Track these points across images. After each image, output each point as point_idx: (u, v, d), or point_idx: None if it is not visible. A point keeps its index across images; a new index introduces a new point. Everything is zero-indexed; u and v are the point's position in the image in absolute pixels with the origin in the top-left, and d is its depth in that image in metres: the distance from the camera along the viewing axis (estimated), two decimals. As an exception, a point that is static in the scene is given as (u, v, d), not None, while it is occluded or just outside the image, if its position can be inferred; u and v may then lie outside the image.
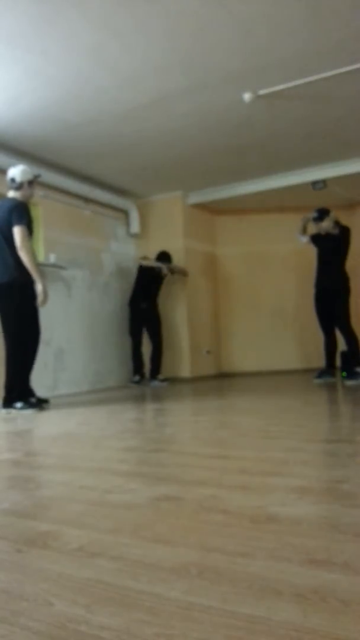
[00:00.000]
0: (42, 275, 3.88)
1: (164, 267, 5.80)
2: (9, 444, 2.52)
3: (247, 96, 3.91)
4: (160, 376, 5.76)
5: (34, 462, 2.04)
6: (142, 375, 5.80)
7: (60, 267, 5.23)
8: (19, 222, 3.69)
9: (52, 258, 5.12)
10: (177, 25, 3.06)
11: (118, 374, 6.01)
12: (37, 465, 1.98)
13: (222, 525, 1.19)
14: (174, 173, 5.66)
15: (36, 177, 3.99)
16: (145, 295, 5.82)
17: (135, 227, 6.31)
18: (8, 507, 1.41)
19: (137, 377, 5.76)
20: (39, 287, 3.78)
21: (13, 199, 3.83)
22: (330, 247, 5.01)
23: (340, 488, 1.45)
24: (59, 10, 2.85)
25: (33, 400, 3.89)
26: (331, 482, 1.52)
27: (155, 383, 5.70)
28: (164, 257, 5.93)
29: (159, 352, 5.81)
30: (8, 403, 3.76)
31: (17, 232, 3.69)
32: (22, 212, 3.73)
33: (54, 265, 5.11)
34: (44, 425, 3.11)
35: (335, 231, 5.01)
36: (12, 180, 3.86)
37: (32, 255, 3.77)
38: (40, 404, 3.90)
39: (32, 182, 3.92)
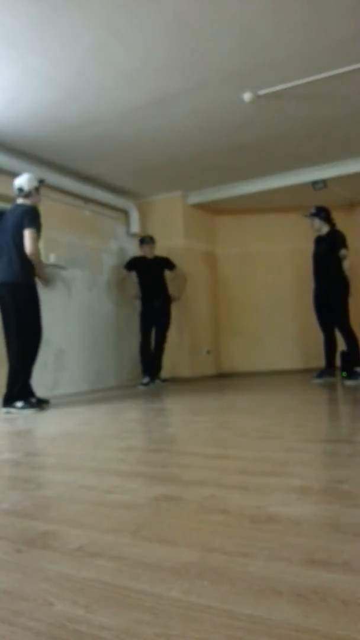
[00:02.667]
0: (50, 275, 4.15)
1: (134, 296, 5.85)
2: (9, 444, 2.52)
3: (247, 96, 3.91)
4: (161, 376, 5.75)
5: (34, 462, 2.04)
6: (151, 377, 5.65)
7: (60, 267, 5.23)
8: (31, 225, 3.79)
9: (52, 258, 5.12)
10: (178, 25, 3.06)
11: (118, 374, 6.01)
12: (37, 466, 1.98)
13: (222, 525, 1.19)
14: (174, 173, 5.66)
15: (41, 182, 4.10)
16: (155, 291, 5.71)
17: (135, 227, 6.31)
18: (8, 507, 1.41)
19: (146, 379, 5.63)
20: (46, 275, 4.06)
21: (24, 205, 3.94)
22: (325, 248, 5.04)
23: (340, 488, 1.45)
24: (59, 10, 2.85)
25: (33, 400, 3.90)
26: (331, 482, 1.52)
27: (157, 382, 5.69)
28: (141, 242, 5.83)
29: (160, 353, 5.74)
30: (8, 402, 3.77)
31: (28, 234, 3.77)
32: (34, 217, 3.84)
33: (54, 265, 5.12)
34: (44, 425, 3.11)
35: (323, 232, 5.08)
36: (20, 189, 3.96)
37: (39, 256, 3.92)
38: (41, 404, 3.90)
39: (38, 188, 4.03)
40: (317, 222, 5.10)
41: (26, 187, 3.94)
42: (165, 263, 5.83)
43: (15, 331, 3.83)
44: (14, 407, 3.75)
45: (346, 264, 4.97)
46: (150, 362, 5.71)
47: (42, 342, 4.08)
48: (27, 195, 3.95)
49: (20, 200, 3.97)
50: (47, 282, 4.08)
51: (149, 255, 5.78)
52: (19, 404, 3.76)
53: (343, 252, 4.96)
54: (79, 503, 1.43)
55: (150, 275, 5.75)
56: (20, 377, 3.83)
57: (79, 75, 3.55)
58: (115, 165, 5.32)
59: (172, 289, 5.88)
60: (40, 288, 4.02)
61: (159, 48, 3.28)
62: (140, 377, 5.80)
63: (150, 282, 5.74)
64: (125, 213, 6.30)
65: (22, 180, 3.96)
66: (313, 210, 5.12)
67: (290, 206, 6.56)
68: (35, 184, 3.99)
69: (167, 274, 5.88)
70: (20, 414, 3.68)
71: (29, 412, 3.72)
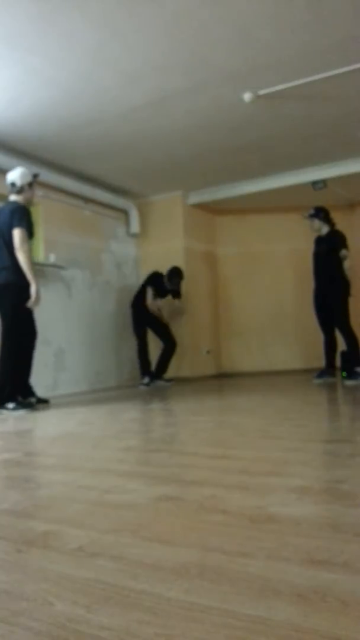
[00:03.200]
0: (37, 277, 3.90)
1: (159, 308, 5.76)
2: (9, 444, 2.52)
3: (247, 96, 3.91)
4: (165, 376, 5.77)
5: (34, 462, 2.04)
6: (151, 377, 5.69)
7: (60, 267, 5.23)
8: (19, 224, 3.73)
9: (52, 258, 5.12)
10: (178, 25, 3.06)
11: (118, 374, 6.01)
12: (37, 465, 1.98)
13: (222, 525, 1.19)
14: (174, 173, 5.66)
15: (35, 176, 4.00)
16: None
17: (135, 227, 6.31)
18: (8, 507, 1.41)
19: (146, 379, 5.65)
20: (32, 289, 3.80)
21: (14, 202, 3.86)
22: (325, 249, 5.04)
23: (340, 488, 1.45)
24: (59, 10, 2.85)
25: (33, 400, 3.89)
26: (331, 482, 1.52)
27: (161, 383, 5.69)
28: (173, 274, 5.76)
29: (170, 353, 5.78)
30: (0, 404, 3.74)
31: (17, 234, 3.72)
32: (22, 215, 3.77)
33: (54, 265, 5.11)
34: (44, 425, 3.11)
35: (323, 233, 5.08)
36: (13, 184, 3.88)
37: (29, 257, 3.80)
38: (33, 404, 3.89)
39: (32, 184, 3.94)
40: (317, 223, 5.10)
41: (19, 182, 3.86)
42: (176, 293, 5.85)
43: (8, 333, 3.79)
44: (6, 408, 3.72)
45: (346, 264, 4.97)
46: (148, 362, 5.73)
47: (42, 342, 4.07)
48: (20, 191, 3.86)
49: (12, 197, 3.89)
50: (35, 293, 3.79)
51: (173, 288, 5.79)
52: (11, 405, 3.72)
53: (343, 252, 4.97)
54: (79, 503, 1.43)
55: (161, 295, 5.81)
56: (11, 379, 3.79)
57: (79, 75, 3.55)
58: (115, 165, 5.32)
59: (167, 308, 5.92)
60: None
61: (159, 48, 3.28)
62: (140, 377, 5.80)
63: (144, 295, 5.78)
64: (125, 213, 6.30)
65: (15, 175, 3.87)
66: (312, 211, 5.12)
67: (290, 206, 6.56)
68: (28, 179, 3.90)
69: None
70: (11, 415, 3.65)
71: (21, 413, 3.70)
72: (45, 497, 1.51)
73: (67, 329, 5.34)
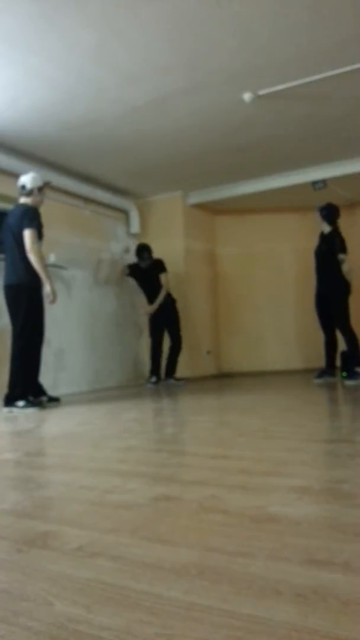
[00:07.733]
0: (50, 276, 3.96)
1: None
2: (9, 444, 2.52)
3: (247, 96, 3.91)
4: (176, 375, 5.71)
5: (34, 462, 2.04)
6: (159, 377, 5.67)
7: (60, 267, 5.23)
8: (30, 226, 3.78)
9: (52, 258, 5.12)
10: (178, 25, 3.06)
11: (118, 373, 6.01)
12: (37, 465, 1.98)
13: (222, 525, 1.19)
14: (174, 173, 5.66)
15: (46, 183, 4.08)
16: (154, 295, 5.67)
17: (135, 227, 6.31)
18: (8, 507, 1.41)
19: (154, 378, 5.64)
20: (47, 288, 3.87)
21: (24, 205, 3.93)
22: (325, 248, 5.03)
23: (340, 488, 1.45)
24: (59, 10, 2.85)
25: (44, 398, 3.94)
26: (331, 482, 1.52)
27: (172, 382, 5.65)
28: (138, 251, 5.70)
29: (176, 351, 5.70)
30: (10, 401, 3.79)
31: (27, 235, 3.78)
32: (32, 217, 3.83)
33: (54, 265, 5.12)
34: (44, 425, 3.11)
35: (325, 230, 5.07)
36: (23, 187, 3.95)
37: (41, 257, 3.85)
38: (43, 403, 3.96)
39: (42, 189, 4.01)
40: (318, 218, 5.09)
41: (29, 185, 3.93)
42: (158, 267, 5.71)
43: (20, 333, 3.86)
44: (16, 406, 3.77)
45: (345, 268, 4.95)
46: (159, 362, 5.71)
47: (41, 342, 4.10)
48: (29, 193, 3.94)
49: (22, 200, 3.97)
50: (51, 291, 3.88)
51: (143, 265, 5.73)
52: (20, 403, 3.78)
53: (341, 257, 4.95)
54: (79, 503, 1.43)
55: (146, 281, 5.75)
56: (21, 377, 3.85)
57: (79, 75, 3.55)
58: (115, 165, 5.32)
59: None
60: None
61: (159, 48, 3.28)
62: (140, 376, 5.80)
63: (148, 288, 5.74)
64: (125, 213, 6.30)
65: (26, 178, 3.96)
66: (320, 206, 5.11)
67: (290, 206, 6.56)
68: (38, 183, 3.97)
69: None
70: (21, 413, 3.70)
71: (31, 411, 3.74)
72: (45, 497, 1.51)
73: (67, 329, 5.34)
